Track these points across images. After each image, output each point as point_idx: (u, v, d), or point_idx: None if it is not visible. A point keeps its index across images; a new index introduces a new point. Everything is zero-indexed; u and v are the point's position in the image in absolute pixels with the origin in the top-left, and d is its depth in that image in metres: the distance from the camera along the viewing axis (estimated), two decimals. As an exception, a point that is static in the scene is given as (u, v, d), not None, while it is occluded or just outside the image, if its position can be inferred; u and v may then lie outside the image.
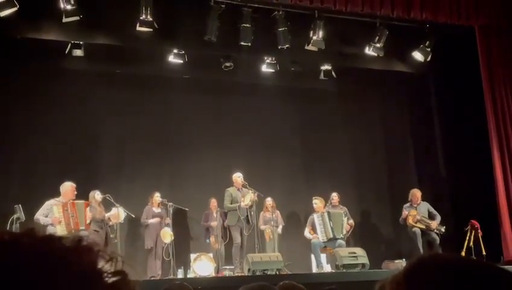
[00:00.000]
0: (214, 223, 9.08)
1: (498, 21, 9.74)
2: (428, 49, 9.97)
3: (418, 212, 9.17)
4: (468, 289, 0.74)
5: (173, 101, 10.18)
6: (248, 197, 8.75)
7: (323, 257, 9.04)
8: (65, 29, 8.61)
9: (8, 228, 7.00)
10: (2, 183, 8.84)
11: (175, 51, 9.52)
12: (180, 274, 8.36)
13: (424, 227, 9.08)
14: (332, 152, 10.82)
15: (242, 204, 8.73)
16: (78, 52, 9.16)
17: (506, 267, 0.79)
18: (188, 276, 8.22)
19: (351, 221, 9.46)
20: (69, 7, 8.23)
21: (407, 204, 9.32)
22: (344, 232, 9.10)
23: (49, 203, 7.60)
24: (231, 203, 8.82)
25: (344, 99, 11.06)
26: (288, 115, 10.76)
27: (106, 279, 0.61)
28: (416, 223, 9.10)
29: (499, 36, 9.86)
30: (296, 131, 10.87)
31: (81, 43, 9.10)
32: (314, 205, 9.27)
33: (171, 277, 8.09)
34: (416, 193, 9.35)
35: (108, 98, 9.83)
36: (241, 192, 8.91)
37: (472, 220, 8.88)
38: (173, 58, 9.58)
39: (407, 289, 0.78)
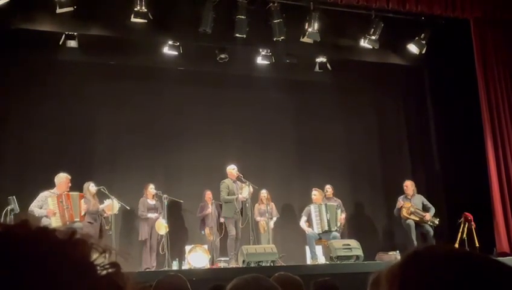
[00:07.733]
0: (208, 211, 9.09)
1: (493, 13, 9.75)
2: (424, 42, 9.98)
3: (412, 205, 9.21)
4: (463, 280, 0.75)
5: (168, 92, 10.16)
6: (246, 191, 8.73)
7: (318, 248, 9.06)
8: (59, 20, 8.56)
9: (2, 220, 6.98)
10: (-4, 174, 8.82)
11: (170, 42, 9.49)
12: (175, 266, 8.36)
13: (418, 219, 9.12)
14: (327, 144, 10.84)
15: (240, 196, 8.72)
16: (72, 43, 9.11)
17: (499, 258, 0.79)
18: (183, 268, 8.23)
19: (344, 215, 9.49)
20: (62, -2, 8.19)
21: (402, 196, 9.36)
22: (338, 224, 9.13)
23: (44, 194, 7.57)
24: (228, 195, 8.81)
25: (339, 91, 11.06)
26: (283, 107, 10.75)
27: (99, 271, 0.61)
28: (410, 215, 9.14)
29: (493, 28, 9.87)
30: (291, 123, 10.87)
31: (75, 34, 9.03)
32: (313, 197, 9.27)
33: (166, 268, 8.09)
34: (410, 185, 9.39)
35: (102, 90, 9.79)
36: (236, 184, 8.91)
37: (465, 213, 8.92)
38: (168, 50, 9.55)
39: (403, 280, 0.78)
